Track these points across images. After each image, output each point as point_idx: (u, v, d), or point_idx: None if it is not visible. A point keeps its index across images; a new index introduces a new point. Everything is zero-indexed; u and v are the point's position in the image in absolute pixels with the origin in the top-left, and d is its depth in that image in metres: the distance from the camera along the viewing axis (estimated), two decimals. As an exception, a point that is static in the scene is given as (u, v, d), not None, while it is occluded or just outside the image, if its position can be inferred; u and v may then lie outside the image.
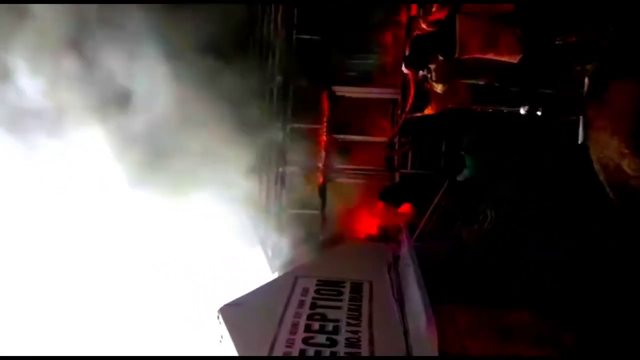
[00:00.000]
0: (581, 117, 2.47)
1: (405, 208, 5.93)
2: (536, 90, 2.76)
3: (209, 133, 7.95)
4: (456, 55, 2.82)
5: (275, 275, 7.29)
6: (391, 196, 6.15)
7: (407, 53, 3.92)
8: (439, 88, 3.78)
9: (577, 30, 2.59)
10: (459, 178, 4.96)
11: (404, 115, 4.90)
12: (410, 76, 4.31)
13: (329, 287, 3.95)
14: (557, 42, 2.66)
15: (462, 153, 5.03)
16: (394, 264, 4.31)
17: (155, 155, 7.52)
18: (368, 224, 6.34)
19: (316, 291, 3.91)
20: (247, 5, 9.91)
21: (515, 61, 2.82)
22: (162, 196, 7.83)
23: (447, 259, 4.46)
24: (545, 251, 3.92)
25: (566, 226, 4.32)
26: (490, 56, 2.84)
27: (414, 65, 3.80)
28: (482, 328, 3.44)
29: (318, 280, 4.03)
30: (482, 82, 3.33)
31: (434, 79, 3.57)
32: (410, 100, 4.89)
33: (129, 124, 7.30)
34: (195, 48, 7.60)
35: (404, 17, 7.45)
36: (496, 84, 3.25)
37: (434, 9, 3.87)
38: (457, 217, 4.94)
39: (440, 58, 2.94)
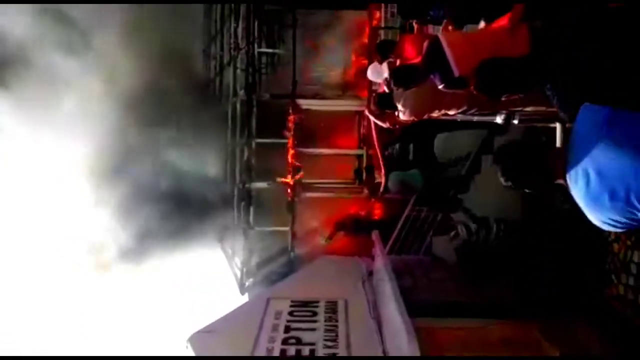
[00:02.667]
0: (558, 124, 2.37)
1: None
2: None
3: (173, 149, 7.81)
4: (457, 74, 2.33)
5: (246, 297, 7.06)
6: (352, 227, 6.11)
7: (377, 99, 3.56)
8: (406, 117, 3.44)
9: None
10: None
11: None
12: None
13: (303, 309, 3.77)
14: None
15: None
16: (369, 278, 4.19)
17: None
18: (339, 238, 6.22)
19: (290, 313, 3.72)
20: (205, 20, 9.78)
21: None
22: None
23: (422, 271, 4.38)
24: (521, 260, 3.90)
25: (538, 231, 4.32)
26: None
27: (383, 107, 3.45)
28: (462, 342, 3.37)
29: (291, 302, 3.85)
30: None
31: (405, 116, 3.22)
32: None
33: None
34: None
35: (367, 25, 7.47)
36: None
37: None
38: (428, 228, 4.88)
39: (440, 85, 2.40)
